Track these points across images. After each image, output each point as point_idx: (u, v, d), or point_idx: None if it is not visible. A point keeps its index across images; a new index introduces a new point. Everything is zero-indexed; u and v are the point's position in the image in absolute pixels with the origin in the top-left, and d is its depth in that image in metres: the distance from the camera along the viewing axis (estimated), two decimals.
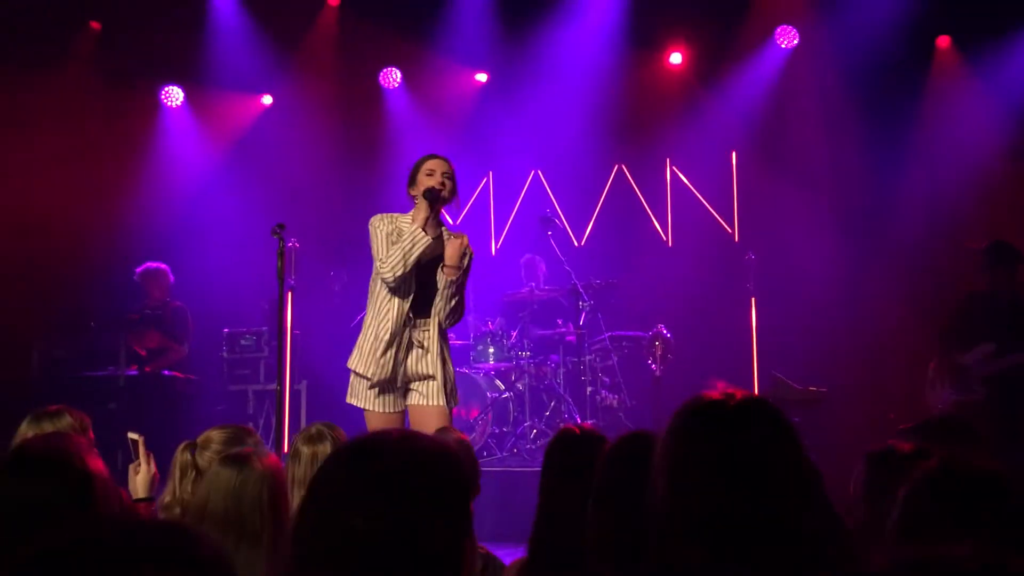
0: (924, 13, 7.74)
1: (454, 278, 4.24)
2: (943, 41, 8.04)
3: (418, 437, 1.46)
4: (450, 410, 4.37)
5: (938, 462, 1.92)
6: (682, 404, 1.70)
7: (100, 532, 0.93)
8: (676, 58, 8.53)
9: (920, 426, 2.77)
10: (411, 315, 4.28)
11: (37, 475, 1.67)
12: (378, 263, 4.23)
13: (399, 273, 4.17)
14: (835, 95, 7.97)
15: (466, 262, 4.36)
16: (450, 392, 4.34)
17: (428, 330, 4.31)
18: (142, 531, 0.94)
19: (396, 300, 4.25)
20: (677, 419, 1.67)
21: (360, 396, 4.35)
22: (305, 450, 2.99)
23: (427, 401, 4.32)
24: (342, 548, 1.32)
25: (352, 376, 4.36)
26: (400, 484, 1.37)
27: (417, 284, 4.27)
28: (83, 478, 1.68)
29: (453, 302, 4.28)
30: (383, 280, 4.23)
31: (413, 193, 4.35)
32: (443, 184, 4.28)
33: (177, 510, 2.67)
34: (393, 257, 4.17)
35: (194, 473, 2.74)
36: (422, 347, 4.31)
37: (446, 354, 4.36)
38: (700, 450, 1.59)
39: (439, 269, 4.29)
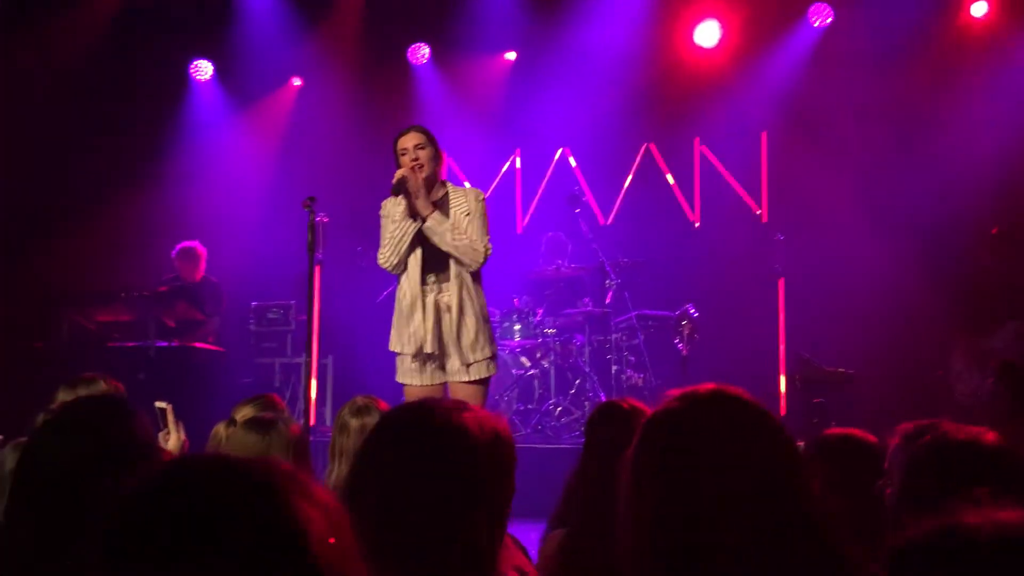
0: None
1: (427, 213, 4.17)
2: (979, 9, 7.86)
3: (457, 413, 1.50)
4: (483, 366, 4.31)
5: (933, 434, 1.93)
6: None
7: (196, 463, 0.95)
8: (706, 36, 8.42)
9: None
10: (430, 277, 4.28)
11: (80, 433, 1.68)
12: (379, 253, 4.30)
13: (394, 262, 4.24)
14: (868, 74, 7.88)
15: (468, 203, 4.30)
16: (468, 347, 4.26)
17: (450, 288, 4.28)
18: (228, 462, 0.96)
19: (409, 268, 4.27)
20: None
21: (400, 371, 4.38)
22: (353, 422, 3.05)
23: (456, 378, 4.33)
24: (389, 522, 1.38)
25: (397, 357, 4.39)
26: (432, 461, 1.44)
27: (424, 248, 4.26)
28: (125, 435, 1.69)
29: (449, 238, 4.17)
30: (384, 268, 4.29)
31: None
32: (416, 158, 4.21)
33: None
34: (386, 248, 4.25)
35: None
36: (449, 310, 4.28)
37: (467, 306, 4.27)
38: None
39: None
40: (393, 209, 4.29)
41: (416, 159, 4.22)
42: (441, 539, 1.40)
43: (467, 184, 8.40)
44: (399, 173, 4.20)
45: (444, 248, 4.20)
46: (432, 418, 1.49)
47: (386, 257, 4.26)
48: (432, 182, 4.29)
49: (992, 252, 6.51)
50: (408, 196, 4.20)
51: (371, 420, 3.01)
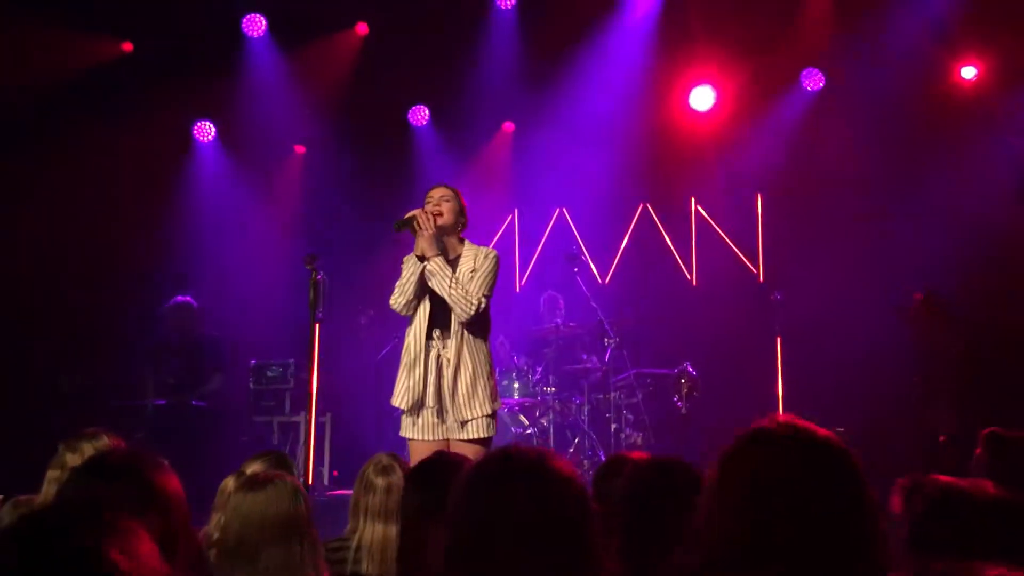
0: (948, 51, 7.81)
1: (431, 254, 4.28)
2: (968, 72, 8.00)
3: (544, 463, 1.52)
4: (480, 424, 4.34)
5: (939, 487, 1.97)
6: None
7: None
8: (701, 101, 8.56)
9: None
10: (433, 333, 4.35)
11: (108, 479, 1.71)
12: (391, 296, 4.42)
13: (401, 303, 4.36)
14: (861, 136, 8.01)
15: (476, 261, 4.40)
16: (462, 404, 4.30)
17: (451, 343, 4.35)
18: None
19: (415, 321, 4.39)
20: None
21: (404, 426, 4.43)
22: (380, 481, 3.07)
23: (454, 435, 4.35)
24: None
25: (402, 412, 4.44)
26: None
27: (431, 301, 4.36)
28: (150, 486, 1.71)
29: (446, 284, 4.26)
30: (394, 310, 4.41)
31: None
32: (438, 205, 4.40)
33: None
34: (396, 290, 4.37)
35: None
36: (448, 364, 4.34)
37: (464, 361, 4.32)
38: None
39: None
40: (408, 258, 4.41)
41: (437, 206, 4.40)
42: None
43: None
44: (413, 212, 4.36)
45: (440, 293, 4.30)
46: (535, 469, 1.52)
47: (394, 298, 4.39)
48: (447, 231, 4.43)
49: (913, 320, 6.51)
50: (422, 235, 4.32)
51: (396, 479, 3.04)
